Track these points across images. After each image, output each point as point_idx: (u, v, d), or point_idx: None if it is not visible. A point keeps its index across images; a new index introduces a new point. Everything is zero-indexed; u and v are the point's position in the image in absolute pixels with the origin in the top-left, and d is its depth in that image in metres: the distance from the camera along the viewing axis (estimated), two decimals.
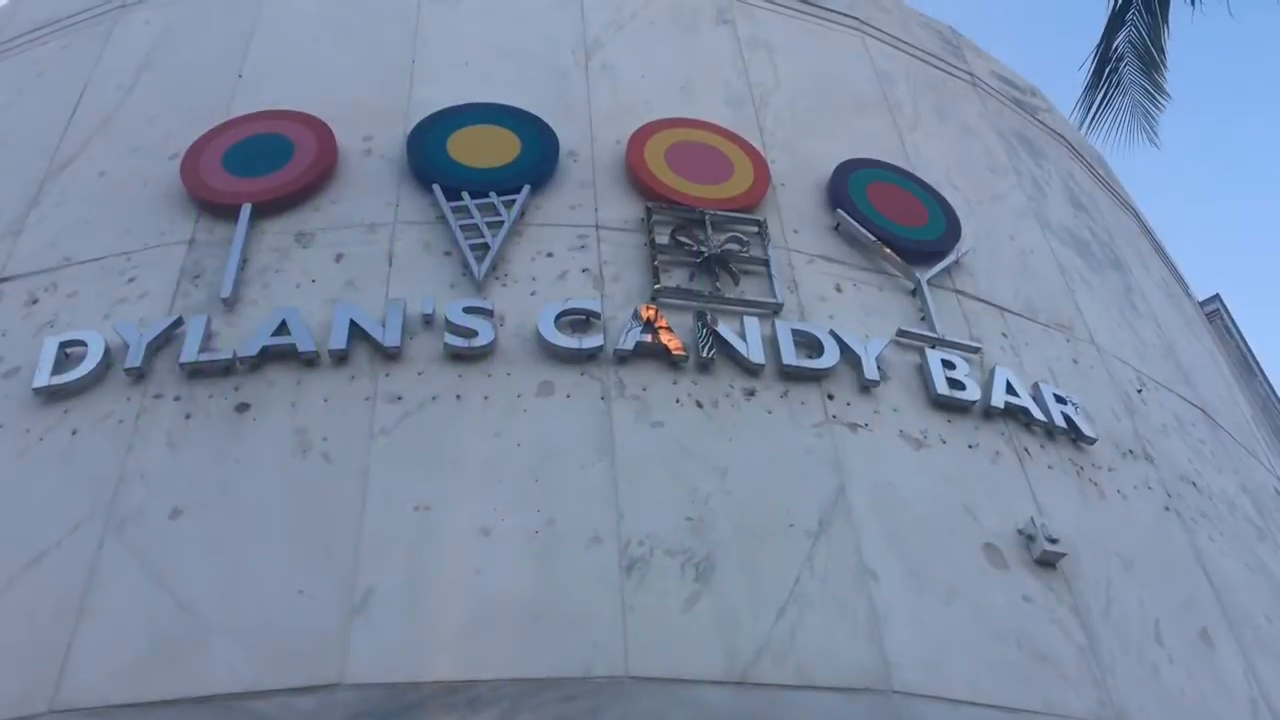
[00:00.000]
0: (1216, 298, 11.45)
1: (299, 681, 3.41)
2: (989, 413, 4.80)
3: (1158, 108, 10.21)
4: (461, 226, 4.81)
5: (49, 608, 3.61)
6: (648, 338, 4.48)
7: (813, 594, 3.89)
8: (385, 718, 3.36)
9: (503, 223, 4.85)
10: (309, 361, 4.29)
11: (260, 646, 3.50)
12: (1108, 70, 10.22)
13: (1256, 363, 11.42)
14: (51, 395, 4.26)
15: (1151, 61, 10.11)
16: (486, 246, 4.74)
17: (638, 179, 5.22)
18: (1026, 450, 4.77)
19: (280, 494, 3.92)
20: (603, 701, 3.48)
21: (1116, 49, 10.18)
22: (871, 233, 5.37)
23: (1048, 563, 4.32)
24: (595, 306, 4.56)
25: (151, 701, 3.37)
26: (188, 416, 4.15)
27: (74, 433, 4.15)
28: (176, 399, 4.21)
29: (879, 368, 4.70)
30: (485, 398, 4.24)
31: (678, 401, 4.36)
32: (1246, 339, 11.56)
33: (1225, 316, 11.45)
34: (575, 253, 4.85)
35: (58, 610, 3.59)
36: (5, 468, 4.10)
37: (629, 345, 4.44)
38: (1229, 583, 4.89)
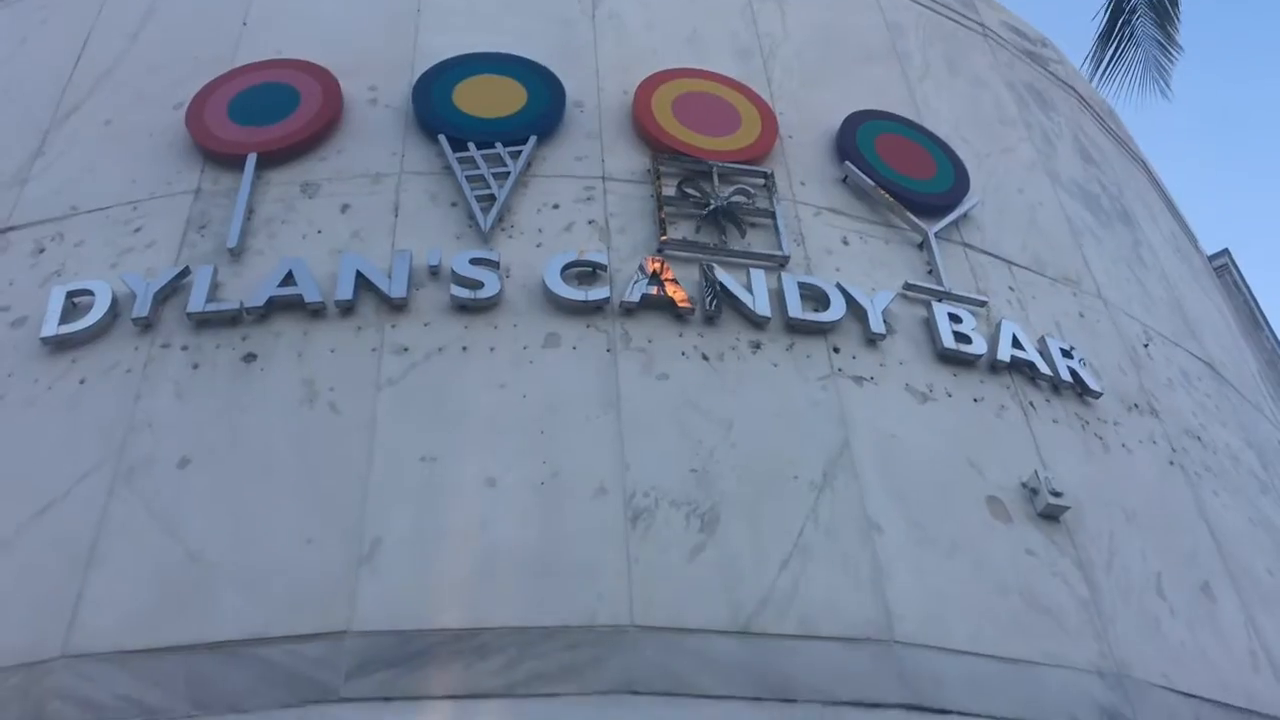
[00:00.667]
0: (1225, 252, 11.37)
1: (307, 629, 3.45)
2: (995, 366, 4.80)
3: (1170, 61, 10.12)
4: (468, 177, 4.80)
5: (59, 556, 3.64)
6: (654, 290, 4.47)
7: (816, 546, 3.92)
8: (392, 664, 3.40)
9: (509, 174, 4.83)
10: (316, 312, 4.29)
11: (268, 594, 3.53)
12: (1120, 22, 10.12)
13: (1264, 318, 11.38)
14: (59, 345, 4.27)
15: (1165, 14, 10.00)
16: (493, 198, 4.73)
17: (644, 130, 5.18)
18: (1031, 404, 4.77)
19: (288, 444, 3.94)
20: (607, 650, 3.51)
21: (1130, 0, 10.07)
22: (879, 185, 5.35)
23: (1051, 516, 4.34)
24: (601, 259, 4.55)
25: (161, 648, 3.41)
26: (195, 366, 4.16)
27: (82, 382, 4.16)
28: (184, 349, 4.22)
29: (885, 321, 4.69)
30: (491, 349, 4.25)
31: (683, 354, 4.37)
32: (1255, 294, 11.51)
33: (1234, 272, 11.39)
34: (581, 204, 4.84)
35: (68, 558, 3.62)
36: (14, 417, 4.12)
37: (635, 298, 4.44)
38: (1231, 536, 4.92)
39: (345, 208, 4.72)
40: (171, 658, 3.39)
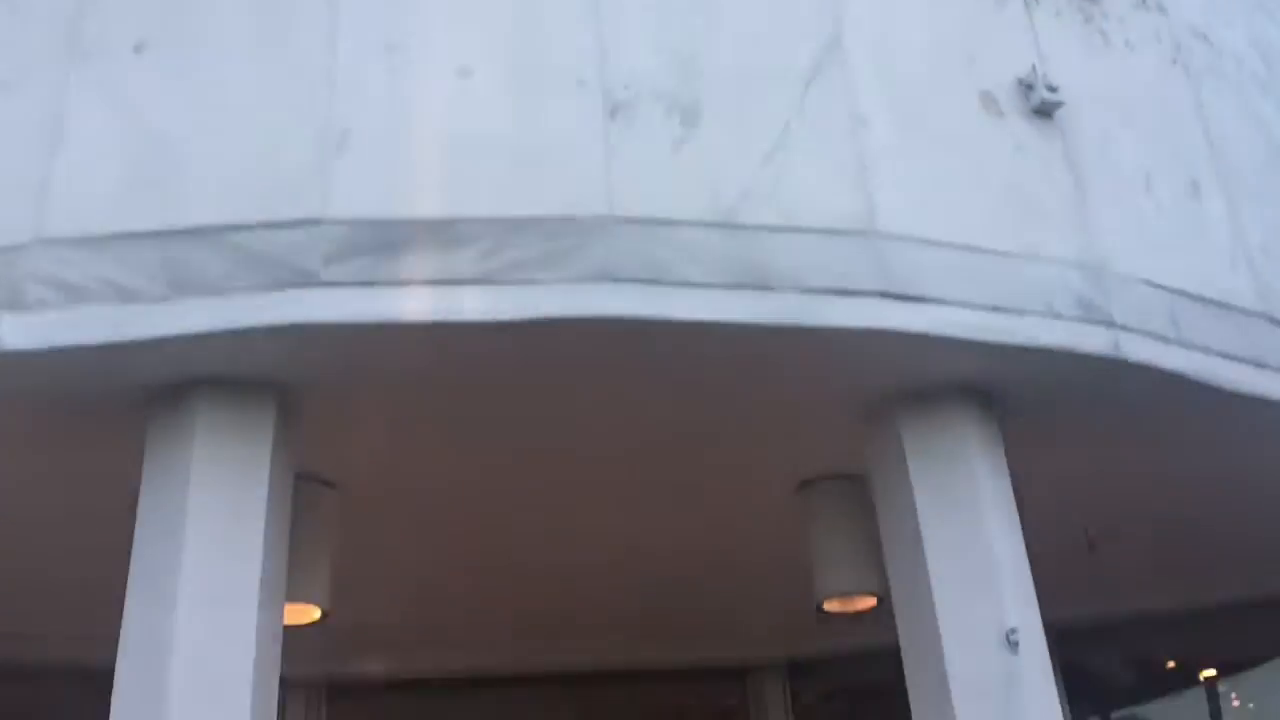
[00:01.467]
0: None
1: (281, 216, 3.39)
2: None
3: None
4: None
5: (18, 140, 3.50)
6: None
7: (801, 139, 3.81)
8: (370, 251, 3.36)
9: None
10: None
11: (239, 182, 3.44)
12: None
13: None
14: None
15: None
16: None
17: None
18: None
19: (245, 31, 3.70)
20: (587, 239, 3.47)
21: None
22: None
23: (1045, 112, 4.21)
24: None
25: (136, 233, 3.36)
26: None
27: None
28: None
29: None
30: None
31: None
32: None
33: None
34: None
35: (28, 143, 3.48)
36: None
37: None
38: (1226, 137, 4.81)
39: None
40: (147, 242, 3.34)
